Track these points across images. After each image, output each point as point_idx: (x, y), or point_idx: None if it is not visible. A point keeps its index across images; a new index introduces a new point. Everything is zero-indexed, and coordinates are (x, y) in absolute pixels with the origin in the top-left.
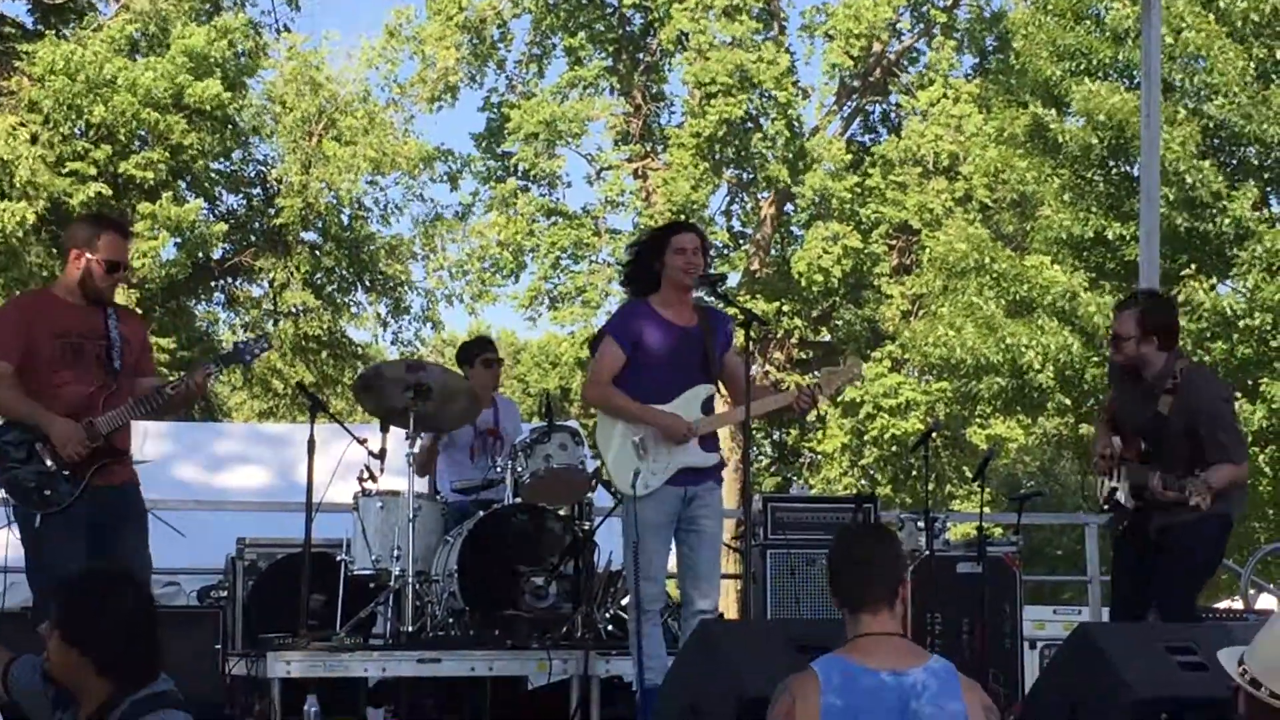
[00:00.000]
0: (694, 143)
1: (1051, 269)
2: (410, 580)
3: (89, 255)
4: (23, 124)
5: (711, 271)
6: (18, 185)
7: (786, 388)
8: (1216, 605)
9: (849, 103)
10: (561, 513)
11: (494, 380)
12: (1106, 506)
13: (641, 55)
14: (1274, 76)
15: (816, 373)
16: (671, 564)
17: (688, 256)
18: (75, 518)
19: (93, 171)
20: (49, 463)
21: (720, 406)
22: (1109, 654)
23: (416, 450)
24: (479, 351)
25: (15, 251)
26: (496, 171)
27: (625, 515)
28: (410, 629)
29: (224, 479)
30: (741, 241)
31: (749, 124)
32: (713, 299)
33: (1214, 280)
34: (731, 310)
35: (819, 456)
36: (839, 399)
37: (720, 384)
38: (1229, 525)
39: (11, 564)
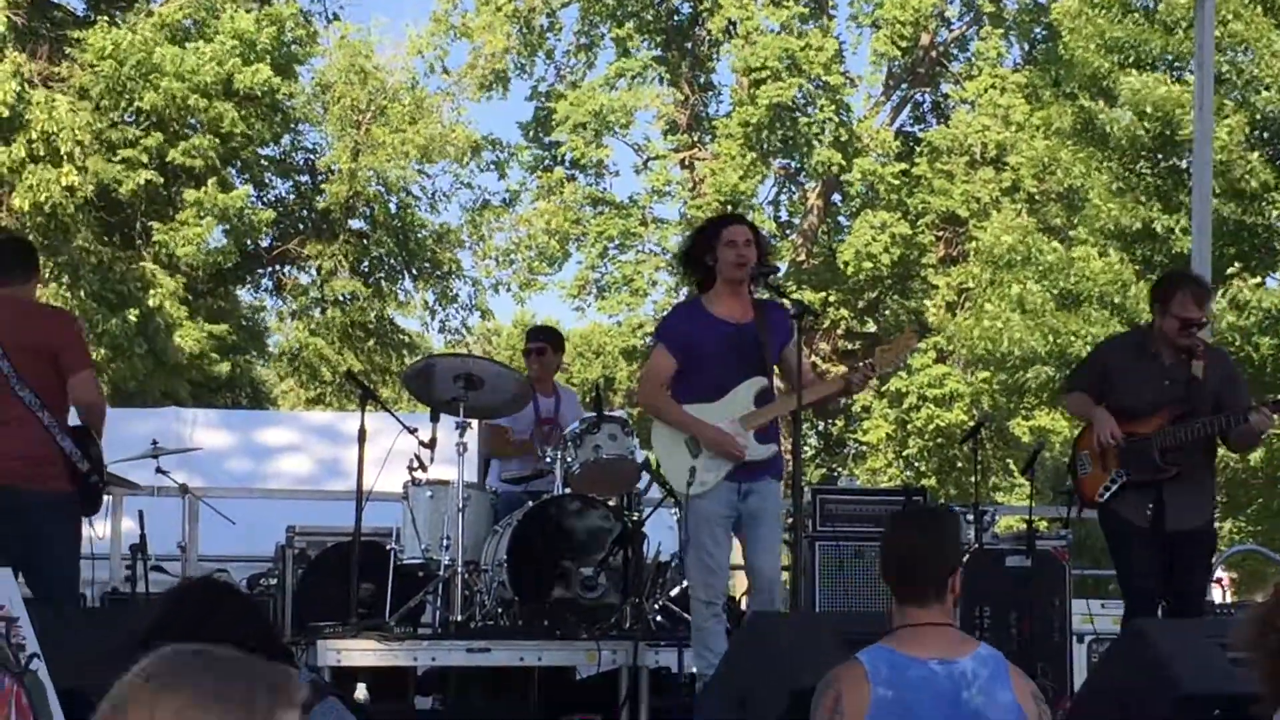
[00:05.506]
0: (742, 132)
1: (1099, 260)
2: (459, 570)
3: None
4: (71, 109)
5: (766, 264)
6: (62, 154)
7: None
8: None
9: (897, 92)
10: (611, 503)
11: (543, 369)
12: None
13: (690, 45)
14: None
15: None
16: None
17: (739, 249)
18: None
19: (144, 159)
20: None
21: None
22: (1161, 649)
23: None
24: (528, 340)
25: (65, 228)
26: (544, 160)
27: (684, 511)
28: (459, 618)
29: (273, 467)
30: (789, 232)
31: (796, 112)
32: (765, 291)
33: (1260, 278)
34: (784, 303)
35: (864, 447)
36: (884, 388)
37: (778, 377)
38: None
39: None
